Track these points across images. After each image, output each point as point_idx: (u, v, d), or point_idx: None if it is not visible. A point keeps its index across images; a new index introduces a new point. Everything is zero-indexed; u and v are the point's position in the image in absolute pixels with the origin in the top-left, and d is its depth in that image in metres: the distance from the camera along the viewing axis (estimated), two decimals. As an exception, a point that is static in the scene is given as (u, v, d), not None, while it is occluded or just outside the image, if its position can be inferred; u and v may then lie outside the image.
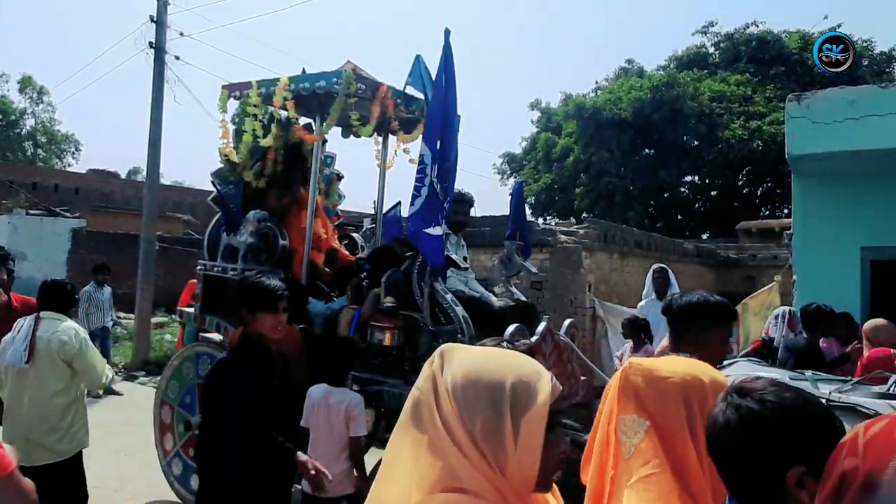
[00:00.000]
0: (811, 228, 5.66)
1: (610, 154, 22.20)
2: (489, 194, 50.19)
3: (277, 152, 4.82)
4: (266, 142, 4.58)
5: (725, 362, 3.78)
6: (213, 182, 4.80)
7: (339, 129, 5.04)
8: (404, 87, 4.71)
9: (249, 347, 2.73)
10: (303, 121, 4.89)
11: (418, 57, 4.83)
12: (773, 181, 22.46)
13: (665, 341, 4.84)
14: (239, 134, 4.74)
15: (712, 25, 26.39)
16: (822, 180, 5.58)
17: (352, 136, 4.94)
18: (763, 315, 6.91)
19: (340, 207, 5.70)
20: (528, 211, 25.14)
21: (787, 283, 6.41)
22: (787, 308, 5.32)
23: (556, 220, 21.65)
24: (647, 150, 23.09)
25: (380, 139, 5.31)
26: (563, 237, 9.01)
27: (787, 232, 6.86)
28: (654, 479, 1.21)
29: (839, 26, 24.41)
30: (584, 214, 21.91)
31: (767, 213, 23.03)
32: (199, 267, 4.86)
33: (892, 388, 2.99)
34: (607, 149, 22.22)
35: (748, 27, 25.30)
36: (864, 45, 23.58)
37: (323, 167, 5.20)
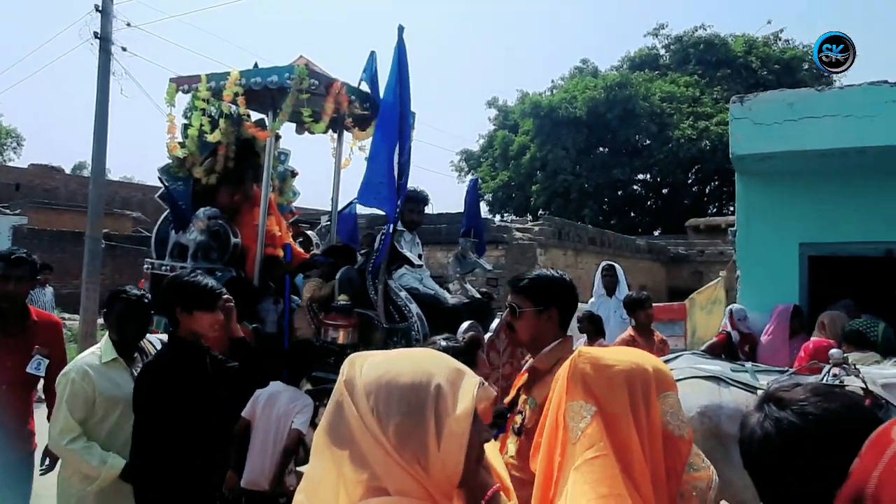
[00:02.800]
0: (753, 226, 5.87)
1: (565, 152, 22.57)
2: (447, 192, 50.17)
3: (228, 148, 4.72)
4: (214, 137, 4.49)
5: (671, 355, 3.92)
6: (160, 178, 4.68)
7: (293, 126, 4.99)
8: (359, 84, 4.68)
9: (180, 349, 2.56)
10: (255, 116, 4.82)
11: (373, 53, 4.81)
12: (719, 179, 23.26)
13: (626, 333, 5.04)
14: (186, 129, 4.63)
15: (663, 28, 27.19)
16: (763, 179, 5.80)
17: (307, 133, 4.88)
18: (709, 309, 7.18)
19: (295, 205, 5.63)
20: (485, 208, 25.37)
21: (732, 278, 6.65)
22: (731, 306, 5.57)
23: (513, 217, 21.86)
24: (601, 149, 23.57)
25: (335, 136, 5.27)
26: (518, 234, 9.12)
27: (732, 229, 7.12)
28: (597, 462, 1.25)
29: (782, 31, 25.53)
30: (540, 212, 22.20)
31: (715, 210, 23.81)
32: (146, 266, 4.73)
33: (825, 378, 3.16)
34: (563, 147, 22.58)
35: (696, 30, 26.12)
36: (804, 50, 24.63)
37: (277, 164, 5.12)
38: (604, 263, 6.93)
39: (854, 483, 0.75)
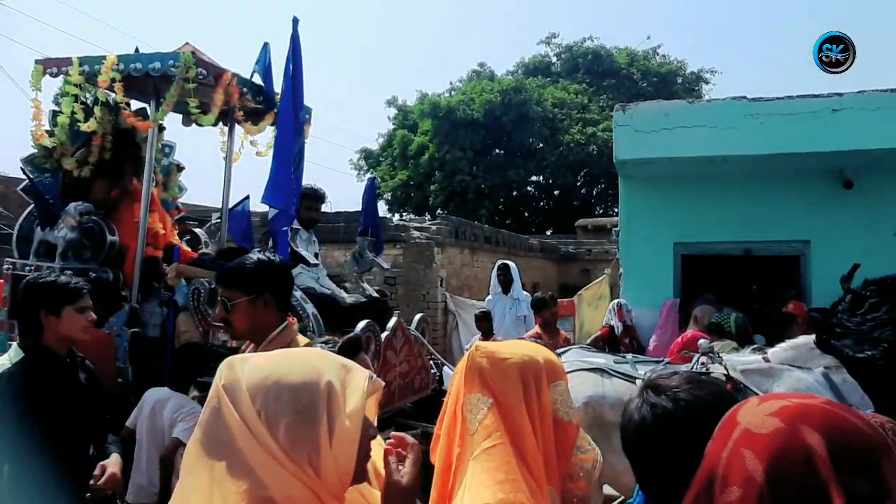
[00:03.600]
0: (634, 226, 6.30)
1: (463, 153, 22.98)
2: (346, 190, 49.52)
3: (105, 138, 4.39)
4: (88, 126, 4.15)
5: (562, 349, 4.13)
6: (23, 170, 4.26)
7: (180, 117, 4.72)
8: (251, 76, 4.51)
9: (40, 358, 2.32)
10: (136, 105, 4.52)
11: (266, 45, 4.66)
12: (605, 182, 24.68)
13: (533, 330, 5.23)
14: (55, 116, 4.25)
15: (555, 37, 28.44)
16: (642, 183, 6.24)
17: (194, 125, 4.64)
18: (595, 305, 7.61)
19: (184, 201, 5.33)
20: (384, 207, 25.25)
21: (615, 275, 7.09)
22: (617, 301, 5.94)
23: (412, 216, 21.97)
24: (497, 151, 24.24)
25: (225, 129, 5.04)
26: (415, 233, 9.18)
27: (616, 229, 7.59)
28: (494, 451, 1.30)
29: (659, 46, 27.54)
30: (438, 211, 22.46)
31: (601, 211, 25.23)
32: (6, 266, 4.29)
33: (694, 367, 3.46)
34: (460, 148, 22.99)
35: (585, 41, 27.57)
36: (679, 65, 26.76)
37: (160, 156, 4.83)
38: (499, 262, 7.15)
39: (707, 465, 0.80)
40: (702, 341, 3.73)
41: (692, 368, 3.41)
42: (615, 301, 5.93)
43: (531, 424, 1.35)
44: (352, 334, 2.28)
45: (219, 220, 5.33)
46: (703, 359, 3.48)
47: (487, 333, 5.77)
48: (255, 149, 4.74)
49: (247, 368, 0.97)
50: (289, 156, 3.73)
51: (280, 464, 0.91)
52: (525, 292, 7.22)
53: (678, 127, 5.44)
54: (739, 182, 5.90)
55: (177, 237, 4.81)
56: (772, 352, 3.43)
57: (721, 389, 1.18)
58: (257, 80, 4.53)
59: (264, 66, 4.52)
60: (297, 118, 3.80)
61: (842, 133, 5.08)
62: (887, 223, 5.51)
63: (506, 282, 6.79)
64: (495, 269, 7.04)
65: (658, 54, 27.30)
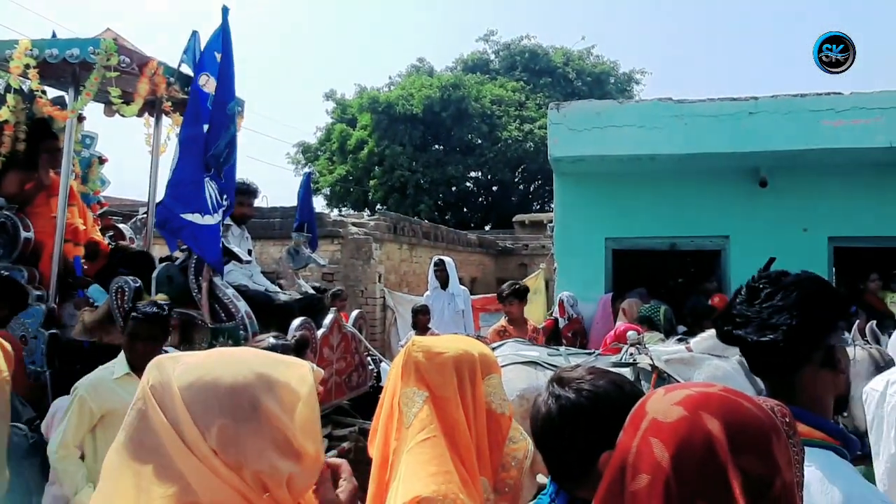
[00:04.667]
0: (568, 222, 6.48)
1: (402, 148, 22.89)
2: (284, 184, 48.39)
3: (18, 127, 4.16)
4: (0, 115, 3.90)
5: (498, 342, 4.20)
6: (-75, 161, 3.96)
7: (102, 106, 4.51)
8: (179, 66, 4.35)
9: None
10: (54, 93, 4.28)
11: (195, 33, 4.50)
12: (542, 179, 25.15)
13: (499, 324, 5.21)
14: (-39, 104, 3.97)
15: (493, 34, 28.69)
16: (576, 179, 6.43)
17: (117, 116, 4.44)
18: (530, 299, 7.75)
19: (110, 194, 5.09)
20: (323, 202, 24.81)
21: (550, 269, 7.27)
22: (560, 295, 6.08)
23: (351, 212, 21.72)
24: (436, 146, 24.28)
25: (151, 120, 4.84)
26: (353, 229, 9.10)
27: (551, 224, 7.78)
28: (427, 443, 1.33)
29: (594, 47, 28.25)
30: (378, 206, 22.30)
31: (538, 207, 25.69)
32: None
33: (623, 358, 3.61)
34: (400, 143, 22.89)
35: (522, 39, 27.97)
36: (611, 65, 27.59)
37: (80, 148, 4.61)
38: (435, 258, 7.20)
39: (618, 454, 0.83)
40: (629, 333, 3.88)
41: (620, 359, 3.56)
42: (560, 295, 6.08)
43: (465, 417, 1.38)
44: (304, 332, 2.26)
45: (145, 216, 5.12)
46: (632, 349, 3.63)
47: (424, 328, 5.80)
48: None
49: (178, 369, 0.94)
50: (195, 149, 3.62)
51: (211, 468, 0.88)
52: (463, 287, 7.29)
53: (609, 126, 5.63)
54: (666, 180, 6.17)
55: (99, 233, 4.61)
56: (694, 342, 3.61)
57: (621, 378, 1.23)
58: (186, 69, 4.38)
59: (193, 56, 4.37)
60: (226, 110, 3.69)
61: (757, 134, 5.40)
62: (797, 220, 5.90)
63: (443, 277, 6.84)
64: (432, 264, 7.08)
65: (592, 54, 28.01)
